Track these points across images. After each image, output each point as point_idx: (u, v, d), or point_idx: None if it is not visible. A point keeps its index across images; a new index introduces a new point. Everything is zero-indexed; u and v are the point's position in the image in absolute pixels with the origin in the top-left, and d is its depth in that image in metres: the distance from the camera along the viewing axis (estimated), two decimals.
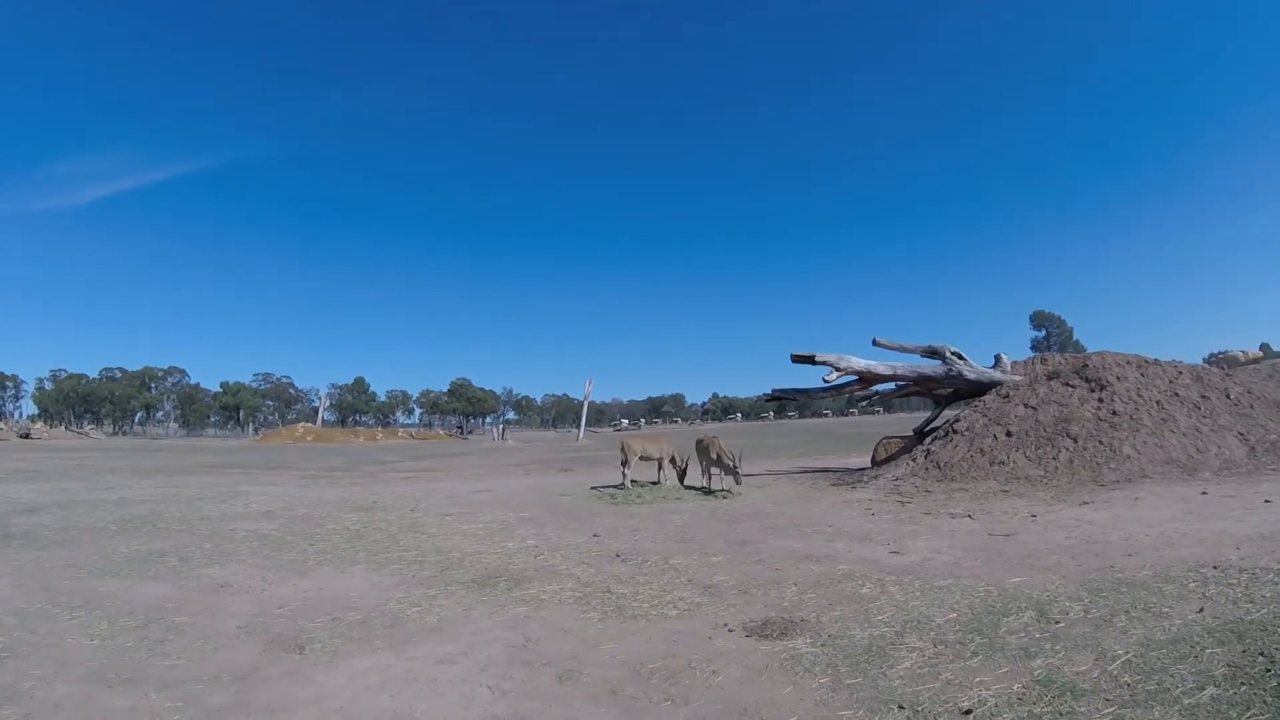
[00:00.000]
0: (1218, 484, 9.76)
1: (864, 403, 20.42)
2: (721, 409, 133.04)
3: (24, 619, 5.27)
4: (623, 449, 14.10)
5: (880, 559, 6.70)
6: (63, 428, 75.03)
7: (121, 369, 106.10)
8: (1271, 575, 5.06)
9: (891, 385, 16.60)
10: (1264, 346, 45.72)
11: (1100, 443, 11.66)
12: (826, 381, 15.07)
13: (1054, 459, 11.58)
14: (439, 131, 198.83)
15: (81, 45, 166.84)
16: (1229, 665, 3.49)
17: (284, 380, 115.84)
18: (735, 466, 12.37)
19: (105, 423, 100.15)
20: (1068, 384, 13.60)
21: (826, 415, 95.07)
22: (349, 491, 14.72)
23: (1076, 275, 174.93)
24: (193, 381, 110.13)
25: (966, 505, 9.69)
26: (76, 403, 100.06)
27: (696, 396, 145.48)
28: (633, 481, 13.58)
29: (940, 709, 3.29)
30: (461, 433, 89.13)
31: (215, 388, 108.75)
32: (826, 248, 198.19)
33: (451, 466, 24.37)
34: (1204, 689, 3.24)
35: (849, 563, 6.56)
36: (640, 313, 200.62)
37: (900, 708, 3.33)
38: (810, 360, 14.74)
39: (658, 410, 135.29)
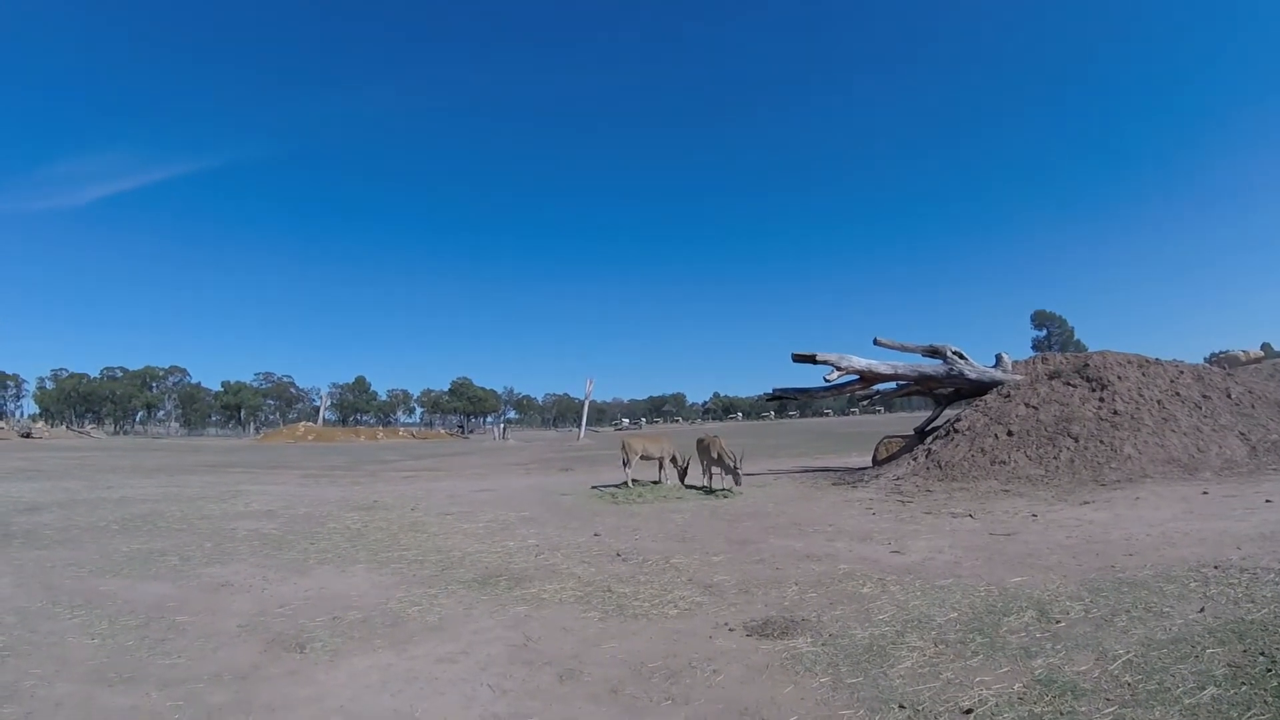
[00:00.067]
0: (1219, 484, 9.75)
1: (865, 402, 20.40)
2: (722, 408, 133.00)
3: (25, 618, 5.28)
4: (624, 448, 14.09)
5: (881, 558, 6.70)
6: (64, 427, 75.09)
7: (123, 368, 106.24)
8: (1272, 575, 5.05)
9: (892, 385, 16.59)
10: (1265, 346, 45.63)
11: (1101, 442, 11.65)
12: (827, 381, 15.05)
13: (1055, 458, 11.58)
14: (439, 131, 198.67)
15: (81, 45, 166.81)
16: (1230, 665, 3.48)
17: (285, 379, 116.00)
18: (736, 467, 12.36)
19: (106, 422, 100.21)
20: (1069, 383, 13.59)
21: (828, 415, 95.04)
22: (350, 490, 14.73)
23: (1077, 275, 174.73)
24: (194, 381, 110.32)
25: (967, 505, 9.69)
26: (78, 402, 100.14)
27: (697, 396, 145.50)
28: (634, 481, 13.57)
29: (941, 708, 3.29)
30: (462, 432, 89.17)
31: (216, 387, 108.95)
32: (827, 247, 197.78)
33: (452, 466, 24.39)
34: (1205, 689, 3.24)
35: (850, 562, 6.56)
36: (641, 312, 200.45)
37: (901, 707, 3.33)
38: (811, 360, 14.73)
39: (658, 409, 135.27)
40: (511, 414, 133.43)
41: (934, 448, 13.20)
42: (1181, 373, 13.71)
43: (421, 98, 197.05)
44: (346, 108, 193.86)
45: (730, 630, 4.69)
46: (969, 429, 13.19)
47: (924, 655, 3.98)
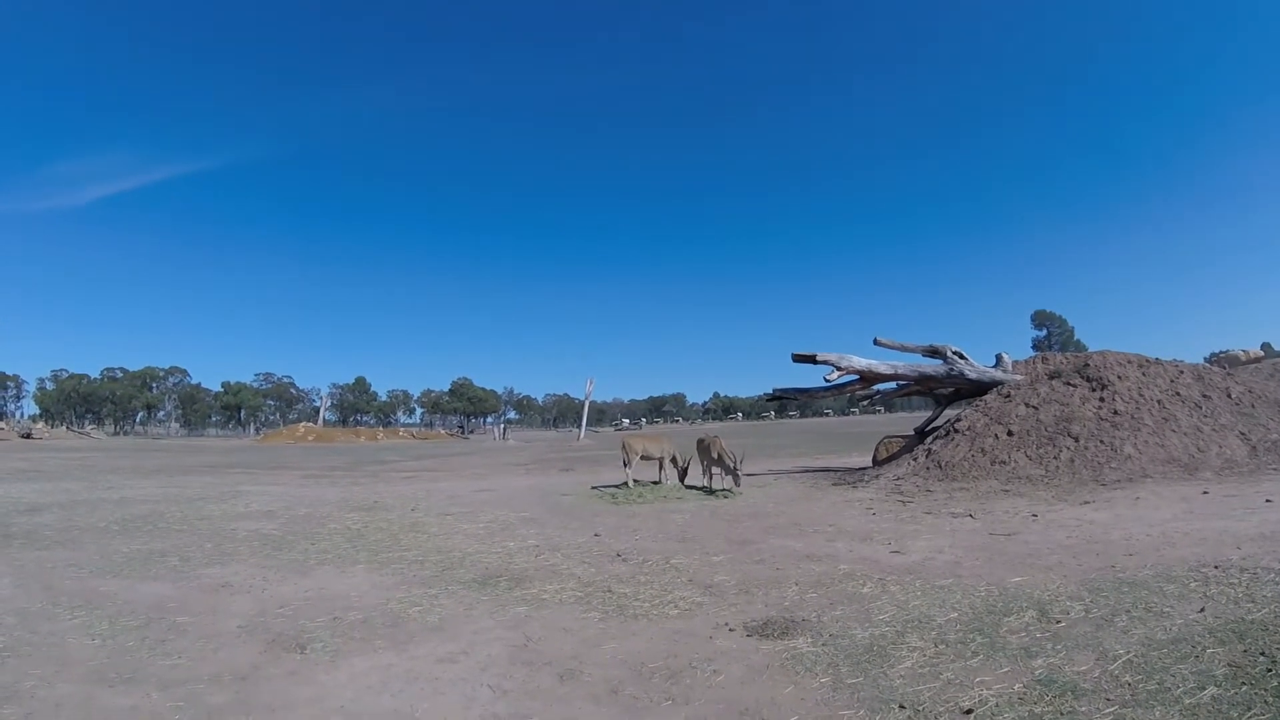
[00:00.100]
0: (1219, 483, 9.75)
1: (865, 402, 20.39)
2: (722, 408, 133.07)
3: (25, 618, 5.28)
4: (624, 448, 14.09)
5: (881, 558, 6.70)
6: (64, 428, 75.13)
7: (123, 369, 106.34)
8: (1273, 575, 5.05)
9: (893, 385, 16.59)
10: (1265, 345, 45.64)
11: (1101, 442, 11.65)
12: (828, 381, 15.05)
13: (1055, 458, 11.58)
14: (439, 131, 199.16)
15: (82, 45, 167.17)
16: (1230, 665, 3.48)
17: (285, 380, 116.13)
18: (736, 467, 12.35)
19: (106, 423, 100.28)
20: (1069, 383, 13.59)
21: (828, 415, 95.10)
22: (350, 491, 14.73)
23: (1077, 275, 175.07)
24: (194, 381, 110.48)
25: (968, 505, 9.69)
26: (78, 403, 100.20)
27: (697, 396, 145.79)
28: (634, 481, 13.57)
29: (941, 709, 3.29)
30: (463, 432, 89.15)
31: (216, 387, 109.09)
32: (827, 247, 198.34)
33: (453, 466, 24.39)
34: (1205, 689, 3.24)
35: (850, 562, 6.56)
36: (641, 312, 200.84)
37: (901, 707, 3.33)
38: (811, 360, 14.73)
39: (659, 410, 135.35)
40: (512, 414, 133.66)
41: (934, 448, 13.20)
42: (1181, 372, 13.71)
43: (421, 98, 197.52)
44: (346, 108, 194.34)
45: (730, 630, 4.69)
46: (969, 429, 13.19)
47: (924, 655, 3.98)
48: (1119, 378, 13.25)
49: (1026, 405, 13.29)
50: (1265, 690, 3.17)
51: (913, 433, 15.57)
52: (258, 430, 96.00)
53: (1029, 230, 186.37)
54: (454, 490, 14.70)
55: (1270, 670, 3.37)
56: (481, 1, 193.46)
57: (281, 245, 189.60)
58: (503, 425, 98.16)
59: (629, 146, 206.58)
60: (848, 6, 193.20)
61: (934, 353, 15.60)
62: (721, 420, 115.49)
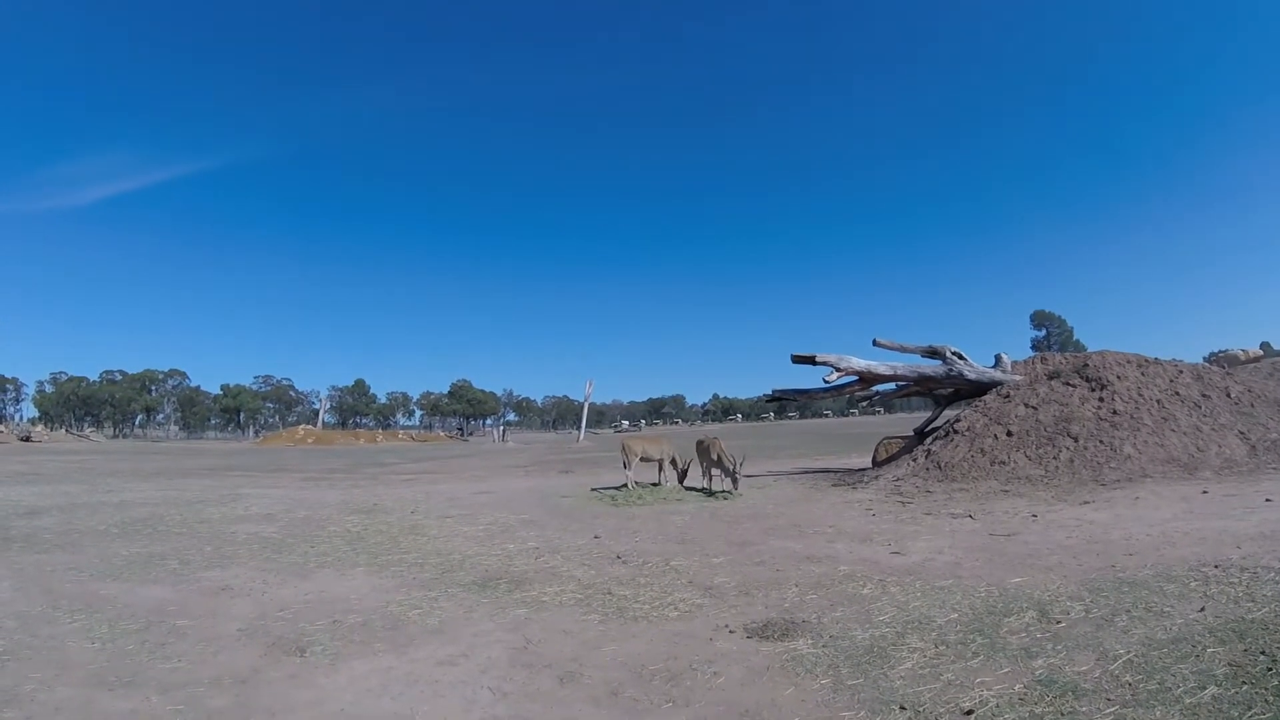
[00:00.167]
0: (1219, 483, 9.76)
1: (864, 403, 20.42)
2: (722, 410, 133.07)
3: (25, 622, 5.27)
4: (623, 450, 14.10)
5: (881, 559, 6.70)
6: (63, 430, 75.01)
7: (122, 371, 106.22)
8: (1273, 574, 5.06)
9: (892, 385, 16.59)
10: (1264, 345, 45.63)
11: (1101, 442, 11.66)
12: (827, 382, 15.06)
13: (1055, 458, 11.58)
14: (439, 131, 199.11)
15: (82, 46, 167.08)
16: (1230, 664, 3.48)
17: (284, 382, 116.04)
18: (735, 470, 12.33)
19: (106, 425, 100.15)
20: (1068, 383, 13.60)
21: (827, 416, 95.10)
22: (350, 494, 14.72)
23: (1077, 275, 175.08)
24: (193, 384, 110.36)
25: (967, 505, 9.69)
26: (77, 405, 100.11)
27: (697, 397, 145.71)
28: (634, 483, 13.57)
29: (942, 709, 3.29)
30: (462, 434, 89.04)
31: (216, 390, 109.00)
32: (827, 248, 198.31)
33: (452, 468, 24.38)
34: (1206, 688, 3.24)
35: (850, 563, 6.56)
36: (640, 313, 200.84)
37: (902, 708, 3.32)
38: (811, 361, 14.73)
39: (658, 411, 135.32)
40: (511, 416, 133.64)
41: (934, 448, 13.21)
42: (1181, 372, 13.72)
43: (421, 98, 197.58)
44: (346, 108, 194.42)
45: (731, 632, 4.69)
46: (968, 430, 13.19)
47: (925, 656, 3.98)
48: (1118, 378, 13.26)
49: (1026, 406, 13.30)
50: (1266, 689, 3.18)
51: (912, 433, 15.58)
52: (257, 433, 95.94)
53: (1028, 230, 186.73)
54: (453, 492, 14.69)
55: (1271, 669, 3.37)
56: (481, 1, 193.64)
57: (281, 246, 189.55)
58: (502, 427, 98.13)
59: (629, 146, 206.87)
60: (848, 6, 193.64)
61: (933, 353, 15.61)
62: (721, 421, 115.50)
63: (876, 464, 14.98)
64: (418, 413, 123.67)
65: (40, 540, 8.74)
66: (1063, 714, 3.15)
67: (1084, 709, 3.17)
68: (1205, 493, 9.11)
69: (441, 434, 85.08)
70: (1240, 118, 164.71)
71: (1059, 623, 4.40)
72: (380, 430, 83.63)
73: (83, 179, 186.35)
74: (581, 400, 63.90)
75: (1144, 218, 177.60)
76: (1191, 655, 3.66)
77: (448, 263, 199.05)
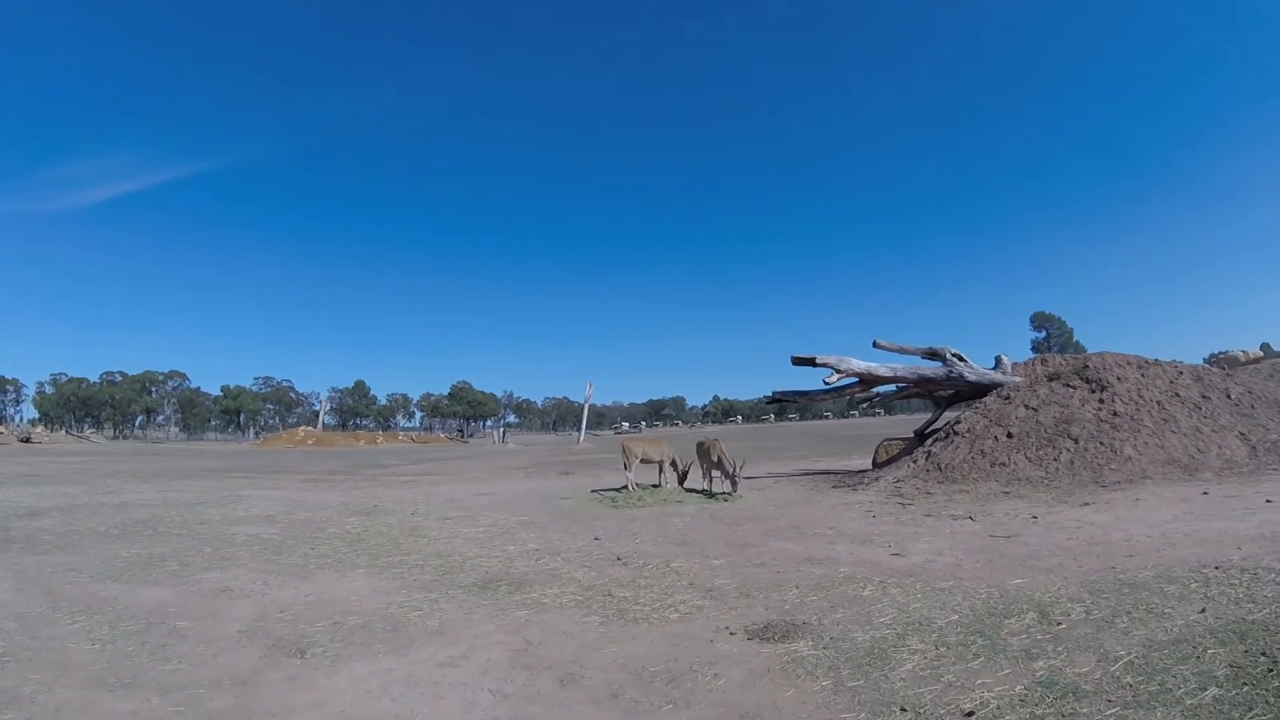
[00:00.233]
0: (1219, 484, 9.76)
1: (865, 405, 20.43)
2: (722, 411, 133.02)
3: (25, 623, 5.27)
4: (624, 452, 14.10)
5: (882, 561, 6.70)
6: (63, 431, 75.03)
7: (122, 373, 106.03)
8: (1273, 575, 5.06)
9: (892, 387, 16.60)
10: (1264, 346, 45.64)
11: (1101, 444, 11.66)
12: (827, 384, 15.07)
13: (1055, 460, 11.58)
14: (439, 132, 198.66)
15: (82, 47, 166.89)
16: (1231, 666, 3.49)
17: (284, 384, 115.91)
18: (734, 473, 12.32)
19: (106, 426, 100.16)
20: (1068, 385, 13.60)
21: (827, 417, 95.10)
22: (350, 495, 14.72)
23: (1077, 276, 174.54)
24: (193, 385, 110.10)
25: (968, 507, 9.69)
26: (77, 406, 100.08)
27: (697, 399, 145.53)
28: (634, 485, 13.57)
29: (943, 711, 3.29)
30: (462, 436, 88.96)
31: (216, 391, 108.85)
32: (827, 249, 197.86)
33: (452, 470, 24.37)
34: (1206, 689, 3.24)
35: (850, 565, 6.56)
36: (640, 314, 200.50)
37: (902, 710, 3.32)
38: (811, 362, 14.74)
39: (658, 413, 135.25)
40: (511, 418, 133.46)
41: (934, 450, 13.21)
42: (1181, 373, 13.72)
43: (421, 98, 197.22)
44: (346, 108, 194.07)
45: (731, 634, 4.69)
46: (969, 431, 13.19)
47: (925, 658, 3.98)
48: (1118, 379, 13.26)
49: (1026, 407, 13.30)
50: (1267, 691, 3.18)
51: (912, 435, 15.58)
52: (257, 434, 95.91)
53: (1028, 231, 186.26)
54: (454, 494, 14.69)
55: (1272, 670, 3.37)
56: (481, 1, 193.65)
57: (281, 247, 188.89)
58: (502, 429, 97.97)
59: (629, 146, 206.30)
60: (848, 6, 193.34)
61: (933, 355, 15.61)
62: (721, 423, 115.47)
63: (877, 466, 14.97)
64: (418, 414, 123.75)
65: (40, 541, 8.74)
66: (1064, 715, 3.15)
67: (1085, 710, 3.17)
68: (1206, 494, 9.10)
69: (442, 435, 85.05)
70: (1241, 118, 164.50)
71: (1060, 624, 4.40)
72: (380, 432, 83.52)
73: (83, 180, 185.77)
74: (582, 402, 63.91)
75: (1144, 218, 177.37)
76: (1192, 656, 3.66)
77: (448, 263, 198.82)
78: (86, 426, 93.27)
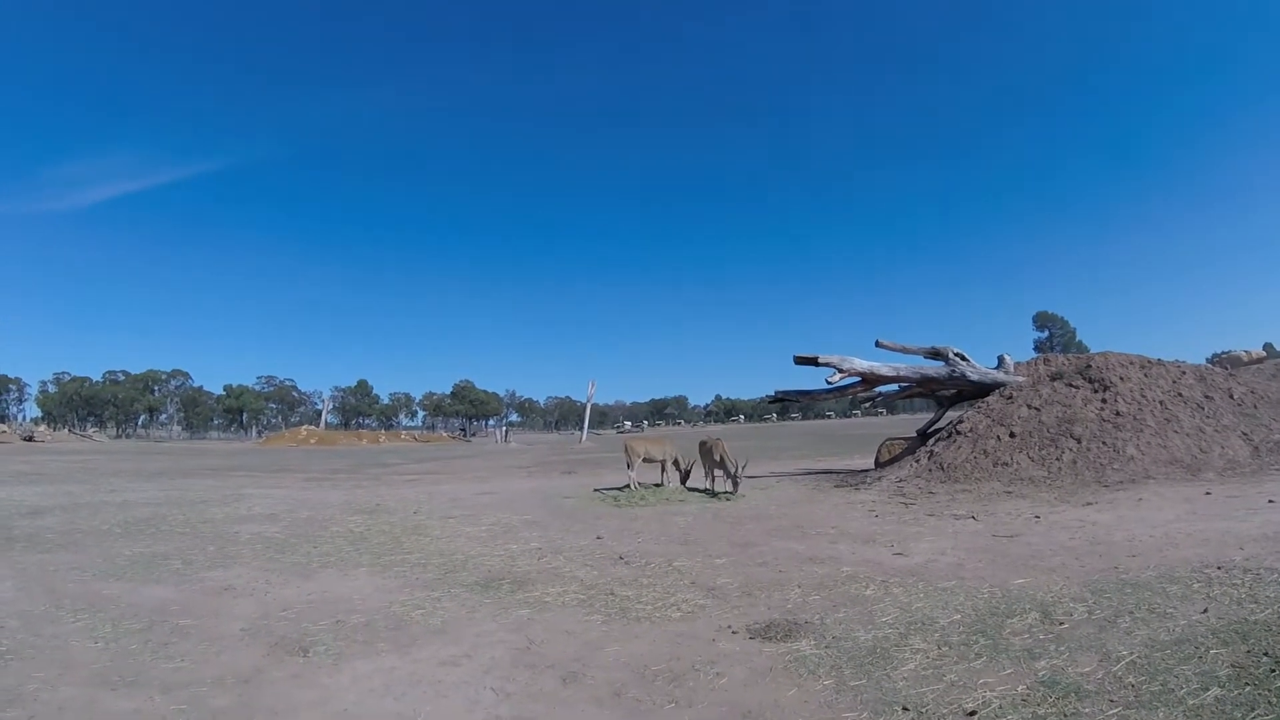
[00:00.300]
0: (1221, 484, 9.74)
1: (867, 404, 20.41)
2: (724, 410, 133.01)
3: (28, 621, 5.29)
4: (626, 451, 14.10)
5: (884, 560, 6.69)
6: (66, 430, 75.15)
7: (125, 372, 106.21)
8: (1276, 575, 5.05)
9: (894, 387, 16.58)
10: (1267, 346, 45.54)
11: (1104, 443, 11.64)
12: (830, 383, 15.05)
13: (1057, 460, 11.56)
14: (439, 132, 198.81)
15: (83, 47, 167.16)
16: (1233, 666, 3.48)
17: (287, 383, 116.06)
18: (736, 473, 12.32)
19: (108, 425, 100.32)
20: (1071, 385, 13.58)
21: (829, 417, 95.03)
22: (352, 494, 14.74)
23: (1079, 276, 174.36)
24: (196, 384, 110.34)
25: (970, 506, 9.68)
26: (80, 405, 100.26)
27: (699, 398, 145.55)
28: (637, 484, 13.57)
29: (945, 710, 3.29)
30: (464, 435, 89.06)
31: (218, 390, 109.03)
32: (829, 249, 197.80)
33: (455, 469, 24.40)
34: (1208, 690, 3.24)
35: (852, 564, 6.56)
36: (643, 314, 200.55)
37: (904, 709, 3.32)
38: (813, 362, 14.73)
39: (660, 412, 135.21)
40: (514, 417, 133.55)
41: (936, 449, 13.19)
42: (1184, 373, 13.69)
43: (421, 98, 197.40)
44: (347, 108, 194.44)
45: (733, 633, 4.69)
46: (971, 431, 13.18)
47: (927, 657, 3.98)
48: (1121, 379, 13.23)
49: (1029, 407, 13.28)
50: (1269, 691, 3.17)
51: (915, 434, 15.56)
52: (260, 433, 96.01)
53: (1031, 231, 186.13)
54: (456, 493, 14.71)
55: (1274, 671, 3.36)
56: (481, 1, 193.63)
57: (283, 247, 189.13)
58: (505, 428, 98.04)
59: (629, 146, 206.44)
60: (848, 6, 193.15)
61: (936, 354, 15.60)
62: (724, 422, 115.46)
63: (879, 465, 14.96)
64: (420, 413, 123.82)
65: (43, 540, 8.77)
66: (1065, 715, 3.15)
67: (1087, 710, 3.17)
68: (1208, 494, 9.09)
69: (444, 435, 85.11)
70: (1242, 117, 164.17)
71: (1062, 624, 4.39)
72: (383, 431, 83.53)
73: (85, 180, 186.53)
74: (584, 401, 63.88)
75: (1146, 218, 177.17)
76: (1194, 657, 3.65)
77: (450, 263, 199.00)
78: (89, 425, 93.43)
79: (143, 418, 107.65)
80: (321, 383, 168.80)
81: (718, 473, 12.83)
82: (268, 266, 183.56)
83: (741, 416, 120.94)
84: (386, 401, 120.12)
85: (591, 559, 7.33)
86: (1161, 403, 12.53)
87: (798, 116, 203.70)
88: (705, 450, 13.15)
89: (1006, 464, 11.84)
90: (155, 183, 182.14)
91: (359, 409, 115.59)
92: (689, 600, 5.57)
